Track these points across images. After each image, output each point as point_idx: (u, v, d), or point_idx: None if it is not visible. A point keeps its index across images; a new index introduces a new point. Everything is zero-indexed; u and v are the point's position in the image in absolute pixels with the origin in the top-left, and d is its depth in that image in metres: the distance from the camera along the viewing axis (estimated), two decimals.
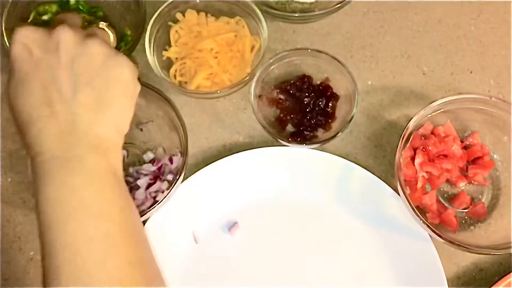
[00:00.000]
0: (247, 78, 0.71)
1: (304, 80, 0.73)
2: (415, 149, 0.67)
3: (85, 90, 0.50)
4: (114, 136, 0.52)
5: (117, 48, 0.76)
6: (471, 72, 0.77)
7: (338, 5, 0.73)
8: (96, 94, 0.50)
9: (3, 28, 0.73)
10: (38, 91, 0.50)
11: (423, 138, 0.67)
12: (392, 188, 0.67)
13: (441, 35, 0.79)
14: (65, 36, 0.50)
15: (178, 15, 0.76)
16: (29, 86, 0.50)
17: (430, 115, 0.68)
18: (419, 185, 0.64)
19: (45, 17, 0.76)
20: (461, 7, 0.81)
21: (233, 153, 0.70)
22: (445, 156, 0.67)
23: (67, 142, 0.49)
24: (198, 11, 0.77)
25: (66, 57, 0.50)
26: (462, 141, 0.69)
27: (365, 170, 0.68)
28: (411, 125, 0.65)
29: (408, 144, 0.66)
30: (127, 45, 0.75)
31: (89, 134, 0.50)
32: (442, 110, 0.67)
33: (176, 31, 0.76)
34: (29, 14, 0.76)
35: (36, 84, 0.50)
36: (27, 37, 0.51)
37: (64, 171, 0.48)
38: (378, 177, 0.68)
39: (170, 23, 0.76)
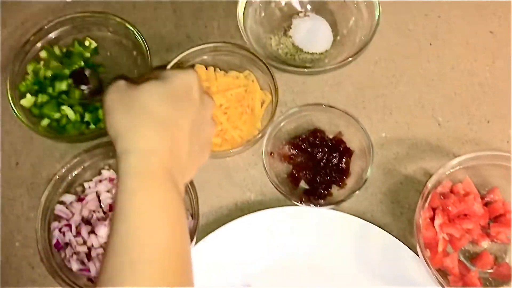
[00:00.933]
0: (259, 135, 0.70)
1: (316, 134, 0.71)
2: (434, 209, 0.64)
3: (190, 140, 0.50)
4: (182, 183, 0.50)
5: None
6: (488, 122, 0.75)
7: (350, 58, 0.71)
8: (192, 146, 0.50)
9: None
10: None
11: (442, 197, 0.65)
12: (411, 248, 0.65)
13: (456, 83, 0.77)
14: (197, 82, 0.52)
15: None
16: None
17: (448, 172, 0.65)
18: (440, 248, 0.62)
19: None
20: (475, 53, 0.79)
21: (245, 214, 0.68)
22: (466, 215, 0.64)
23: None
24: (207, 66, 0.76)
25: (196, 104, 0.51)
26: (482, 198, 0.67)
27: (383, 230, 0.66)
28: (430, 184, 0.63)
29: (426, 204, 0.64)
30: None
31: (171, 173, 0.47)
32: (460, 167, 0.65)
33: None
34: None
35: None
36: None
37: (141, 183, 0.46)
38: (396, 236, 0.66)
39: None
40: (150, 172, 0.45)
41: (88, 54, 0.77)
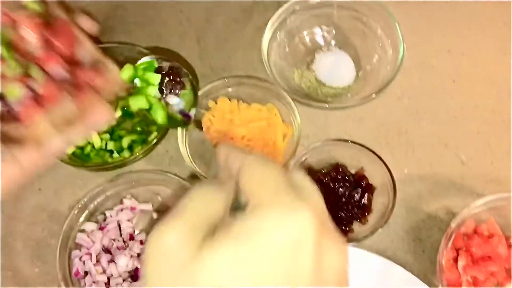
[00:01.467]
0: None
1: (338, 169, 0.71)
2: (457, 250, 0.64)
3: None
4: None
5: (148, 133, 0.76)
6: None
7: (373, 95, 0.72)
8: None
9: None
10: None
11: (465, 238, 0.64)
12: None
13: (479, 121, 0.77)
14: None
15: (211, 103, 0.76)
16: None
17: (472, 213, 0.64)
18: None
19: None
20: (499, 91, 0.79)
21: None
22: (490, 257, 0.63)
23: None
24: (230, 98, 0.76)
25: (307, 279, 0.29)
26: (507, 239, 0.66)
27: (404, 269, 0.65)
28: (454, 224, 0.62)
29: (450, 244, 0.63)
30: (160, 131, 0.74)
31: None
32: (484, 207, 0.64)
33: (209, 118, 0.75)
34: None
35: None
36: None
37: None
38: (417, 275, 0.65)
39: (202, 110, 0.76)
40: None
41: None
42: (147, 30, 0.87)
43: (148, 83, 0.65)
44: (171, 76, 0.62)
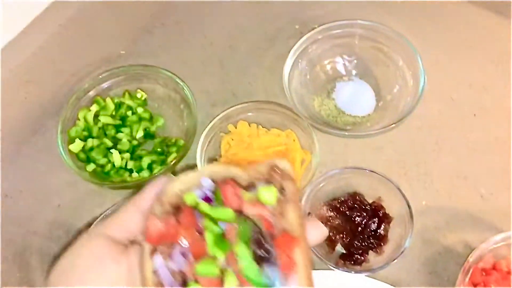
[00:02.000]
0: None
1: (355, 198, 0.71)
2: (475, 285, 0.62)
3: None
4: None
5: (167, 154, 0.77)
6: None
7: (393, 124, 0.72)
8: None
9: None
10: None
11: (484, 273, 0.63)
12: None
13: (499, 155, 0.76)
14: None
15: (230, 127, 0.77)
16: None
17: (491, 247, 0.63)
18: None
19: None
20: None
21: None
22: None
23: None
24: (249, 123, 0.77)
25: None
26: None
27: None
28: (472, 258, 0.61)
29: (467, 279, 0.62)
30: (179, 152, 0.75)
31: None
32: (504, 243, 0.63)
33: (227, 142, 0.76)
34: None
35: None
36: None
37: None
38: None
39: (221, 133, 0.77)
40: None
41: (137, 105, 0.80)
42: (172, 54, 0.89)
43: None
44: None
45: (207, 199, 0.43)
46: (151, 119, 0.80)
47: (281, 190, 0.43)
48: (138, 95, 0.81)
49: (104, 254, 0.41)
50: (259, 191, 0.42)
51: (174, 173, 0.46)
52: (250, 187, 0.43)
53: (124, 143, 0.77)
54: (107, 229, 0.43)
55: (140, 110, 0.80)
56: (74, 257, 0.42)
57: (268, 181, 0.43)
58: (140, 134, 0.79)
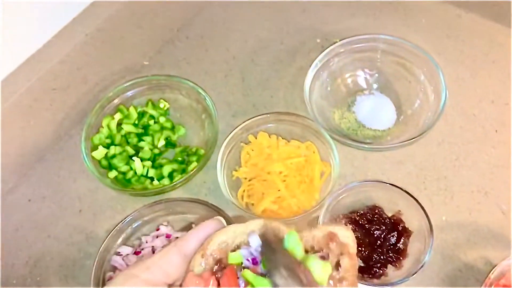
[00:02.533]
0: (316, 206, 0.70)
1: (375, 211, 0.71)
2: None
3: None
4: None
5: (188, 163, 0.78)
6: None
7: (412, 139, 0.72)
8: None
9: None
10: None
11: None
12: None
13: None
14: None
15: (250, 137, 0.78)
16: None
17: None
18: None
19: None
20: None
21: None
22: None
23: None
24: (270, 134, 0.78)
25: None
26: None
27: None
28: (493, 276, 0.60)
29: None
30: (199, 161, 0.76)
31: None
32: None
33: (247, 152, 0.77)
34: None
35: None
36: None
37: None
38: None
39: (242, 144, 0.77)
40: None
41: (159, 114, 0.82)
42: (195, 66, 0.90)
43: None
44: None
45: (253, 260, 0.41)
46: (172, 128, 0.81)
47: (337, 265, 0.40)
48: (161, 105, 0.82)
49: None
50: (311, 262, 0.39)
51: (224, 218, 0.45)
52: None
53: (146, 152, 0.78)
54: (146, 271, 0.41)
55: (162, 119, 0.81)
56: None
57: (323, 250, 0.40)
58: (161, 143, 0.80)
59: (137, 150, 0.79)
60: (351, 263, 0.40)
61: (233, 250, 0.42)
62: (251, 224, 0.43)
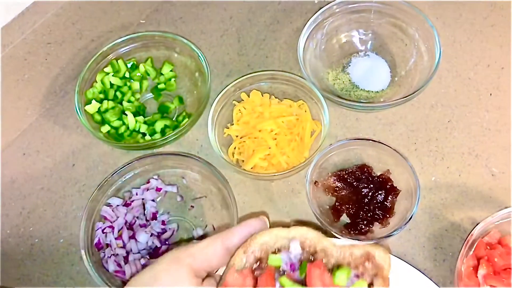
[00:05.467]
0: (305, 162, 0.70)
1: (363, 170, 0.71)
2: (479, 259, 0.62)
3: None
4: None
5: (179, 120, 0.78)
6: None
7: (405, 98, 0.71)
8: None
9: None
10: None
11: (488, 247, 0.62)
12: None
13: None
14: None
15: (243, 95, 0.78)
16: None
17: (498, 222, 0.63)
18: None
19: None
20: None
21: None
22: None
23: None
24: (262, 93, 0.78)
25: None
26: None
27: (422, 274, 0.63)
28: (476, 231, 0.61)
29: (471, 252, 0.61)
30: (190, 119, 0.76)
31: None
32: (511, 218, 0.62)
33: (239, 110, 0.77)
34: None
35: None
36: None
37: None
38: (436, 283, 0.63)
39: (234, 101, 0.77)
40: None
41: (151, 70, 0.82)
42: (191, 26, 0.90)
43: None
44: None
45: (291, 266, 0.43)
46: (159, 75, 0.82)
47: (369, 285, 0.42)
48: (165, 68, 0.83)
49: (183, 284, 0.43)
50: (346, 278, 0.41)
51: (269, 220, 0.47)
52: (337, 266, 0.43)
53: (130, 97, 0.80)
54: (191, 258, 0.44)
55: (148, 67, 0.83)
56: (155, 277, 0.43)
57: (358, 267, 0.42)
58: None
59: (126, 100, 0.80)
60: (384, 286, 0.41)
61: (274, 252, 0.44)
62: (293, 230, 0.44)
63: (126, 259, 0.68)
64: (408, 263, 0.64)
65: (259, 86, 0.78)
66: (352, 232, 0.68)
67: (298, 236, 0.44)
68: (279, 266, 0.43)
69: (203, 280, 0.45)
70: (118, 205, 0.72)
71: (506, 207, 0.66)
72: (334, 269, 0.43)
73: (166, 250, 0.69)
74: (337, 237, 0.66)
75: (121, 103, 0.79)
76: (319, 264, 0.42)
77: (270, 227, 0.46)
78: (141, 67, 0.82)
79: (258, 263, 0.43)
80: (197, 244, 0.45)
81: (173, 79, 0.82)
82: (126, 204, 0.72)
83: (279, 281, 0.42)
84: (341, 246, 0.44)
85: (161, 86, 0.81)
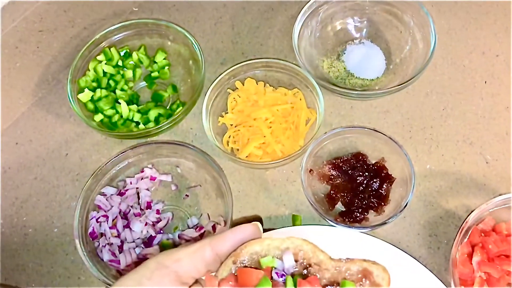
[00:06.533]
0: (300, 151, 0.70)
1: (358, 158, 0.71)
2: (473, 246, 0.62)
3: None
4: None
5: (173, 109, 0.78)
6: None
7: (400, 85, 0.71)
8: None
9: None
10: None
11: (483, 234, 0.62)
12: (445, 284, 0.62)
13: (508, 123, 0.75)
14: None
15: (237, 83, 0.77)
16: None
17: (492, 210, 0.63)
18: (476, 286, 0.59)
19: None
20: None
21: (276, 228, 0.68)
22: (507, 256, 0.61)
23: None
24: (257, 81, 0.77)
25: None
26: None
27: (417, 261, 0.63)
28: (471, 219, 0.61)
29: (466, 239, 0.62)
30: (184, 107, 0.76)
31: None
32: (505, 206, 0.63)
33: (234, 98, 0.76)
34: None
35: None
36: None
37: None
38: (431, 270, 0.63)
39: (228, 90, 0.77)
40: None
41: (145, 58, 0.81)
42: (184, 13, 0.89)
43: None
44: None
45: (282, 276, 0.42)
46: (152, 63, 0.82)
47: None
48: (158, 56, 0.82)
49: None
50: None
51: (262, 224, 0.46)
52: (332, 283, 0.41)
53: (123, 86, 0.79)
54: (177, 264, 0.42)
55: (142, 55, 0.82)
56: (139, 282, 0.42)
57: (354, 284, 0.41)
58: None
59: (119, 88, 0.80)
60: None
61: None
62: (287, 241, 0.43)
63: (120, 248, 0.68)
64: (403, 251, 0.64)
65: (253, 74, 0.78)
66: (347, 220, 0.68)
67: (292, 248, 0.42)
68: (270, 269, 0.42)
69: (190, 287, 0.43)
70: (112, 194, 0.71)
71: (500, 194, 0.66)
72: (328, 285, 0.41)
73: (161, 240, 0.69)
74: (332, 225, 0.66)
75: (114, 92, 0.78)
76: (311, 281, 0.40)
77: (270, 227, 0.45)
78: (134, 55, 0.81)
79: None
80: (185, 248, 0.43)
81: (166, 67, 0.81)
82: (120, 193, 0.71)
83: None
84: (337, 261, 0.42)
85: (155, 74, 0.81)
